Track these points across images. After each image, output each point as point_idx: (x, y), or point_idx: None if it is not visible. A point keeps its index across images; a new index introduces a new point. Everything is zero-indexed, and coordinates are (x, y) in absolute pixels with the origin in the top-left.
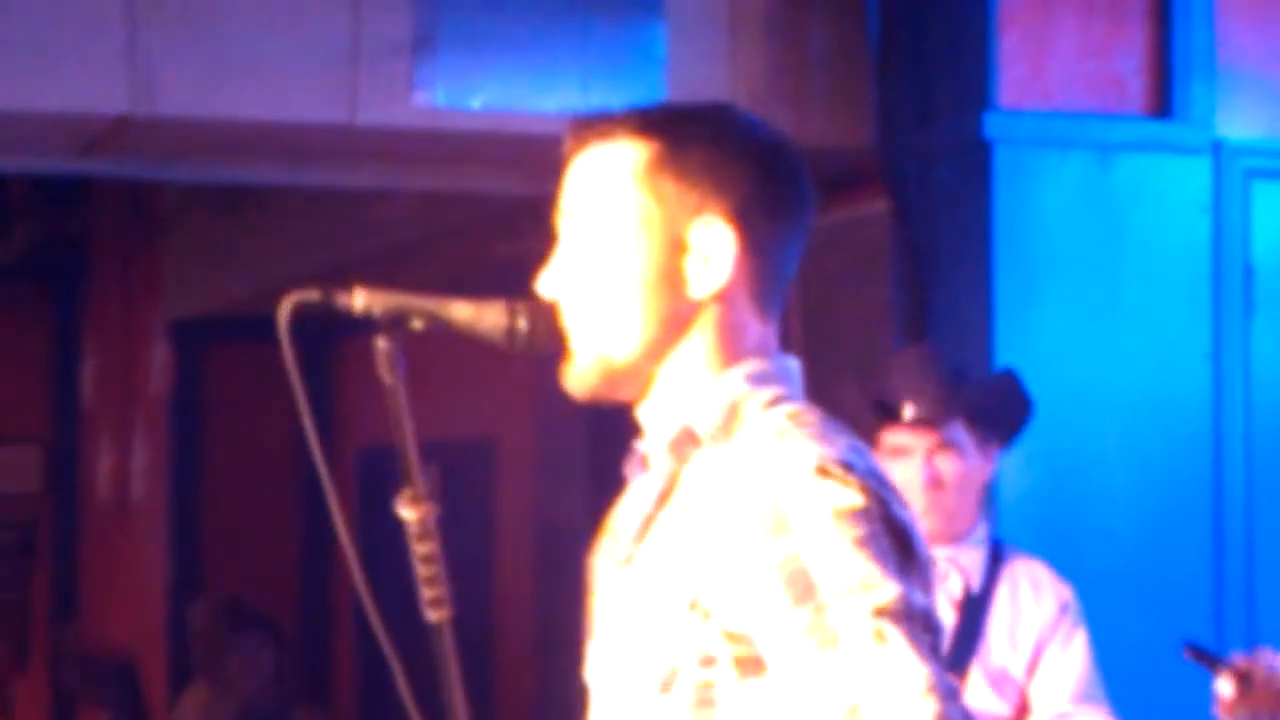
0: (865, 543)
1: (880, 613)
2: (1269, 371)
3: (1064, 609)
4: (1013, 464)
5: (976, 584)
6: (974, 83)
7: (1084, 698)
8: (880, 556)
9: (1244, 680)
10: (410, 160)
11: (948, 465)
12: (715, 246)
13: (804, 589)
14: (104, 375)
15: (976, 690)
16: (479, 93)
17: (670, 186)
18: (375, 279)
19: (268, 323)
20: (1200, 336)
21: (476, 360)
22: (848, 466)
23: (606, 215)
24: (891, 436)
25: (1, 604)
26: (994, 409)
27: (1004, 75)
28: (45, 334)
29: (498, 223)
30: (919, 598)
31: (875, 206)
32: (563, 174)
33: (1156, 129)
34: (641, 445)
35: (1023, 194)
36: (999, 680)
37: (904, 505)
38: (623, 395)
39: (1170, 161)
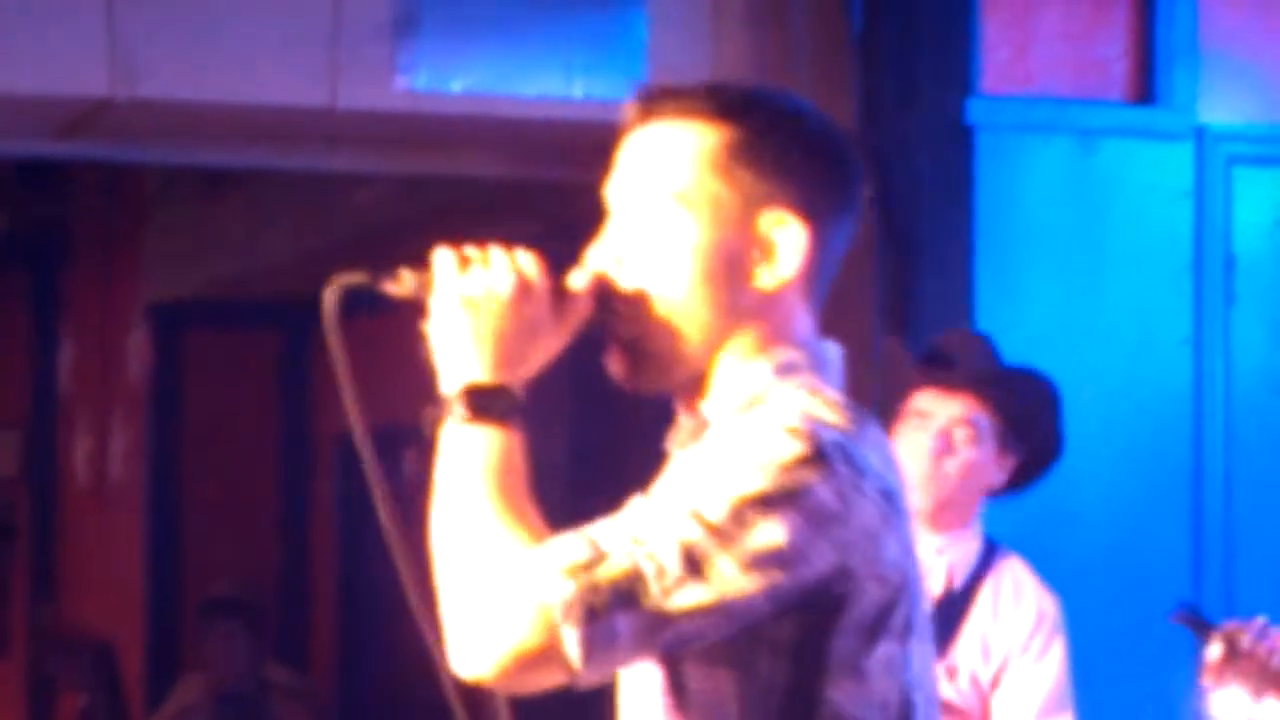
0: (777, 494)
1: (705, 533)
2: (1249, 358)
3: (1040, 620)
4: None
5: (960, 581)
6: (956, 68)
7: (1053, 710)
8: (783, 522)
9: (1232, 646)
10: (391, 144)
11: (962, 441)
12: (785, 240)
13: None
14: (83, 359)
15: (941, 686)
16: (460, 76)
17: (746, 175)
18: (354, 264)
19: (247, 307)
20: (1181, 322)
21: None
22: (821, 438)
23: (676, 198)
24: (921, 399)
25: None
26: (1027, 413)
27: (986, 60)
28: (24, 318)
29: (480, 207)
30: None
31: None
32: (621, 142)
33: (1139, 115)
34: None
35: (1005, 179)
36: (965, 682)
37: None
38: (671, 385)
39: (1152, 147)
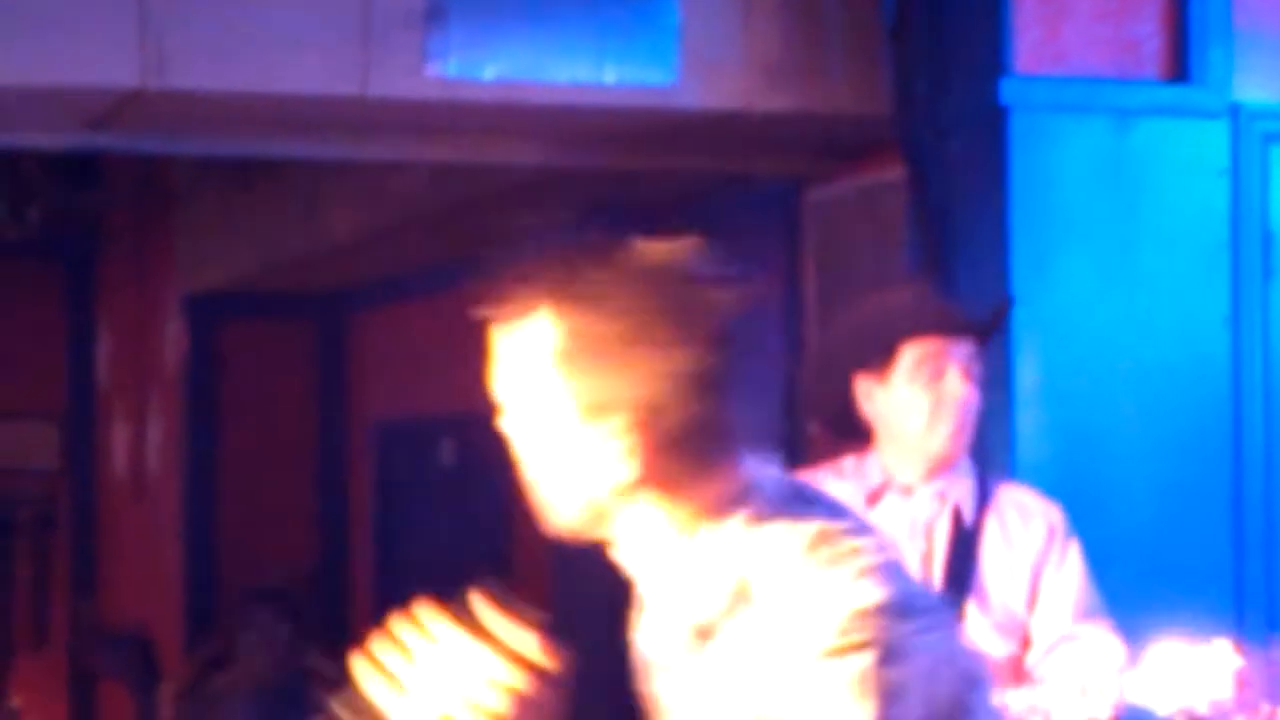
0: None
1: None
2: None
3: (1051, 532)
4: (1029, 430)
5: (969, 515)
6: (990, 49)
7: (1086, 614)
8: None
9: None
10: (423, 132)
11: (976, 388)
12: (625, 440)
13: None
14: (119, 351)
15: (975, 629)
16: (492, 64)
17: (582, 373)
18: (388, 252)
19: (283, 297)
20: (1219, 301)
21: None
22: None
23: (530, 398)
24: (918, 348)
25: (21, 580)
26: (996, 329)
27: (1020, 40)
28: (60, 311)
29: (514, 194)
30: None
31: (892, 174)
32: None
33: (1173, 93)
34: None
35: (1039, 160)
36: (999, 617)
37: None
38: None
39: (1187, 126)
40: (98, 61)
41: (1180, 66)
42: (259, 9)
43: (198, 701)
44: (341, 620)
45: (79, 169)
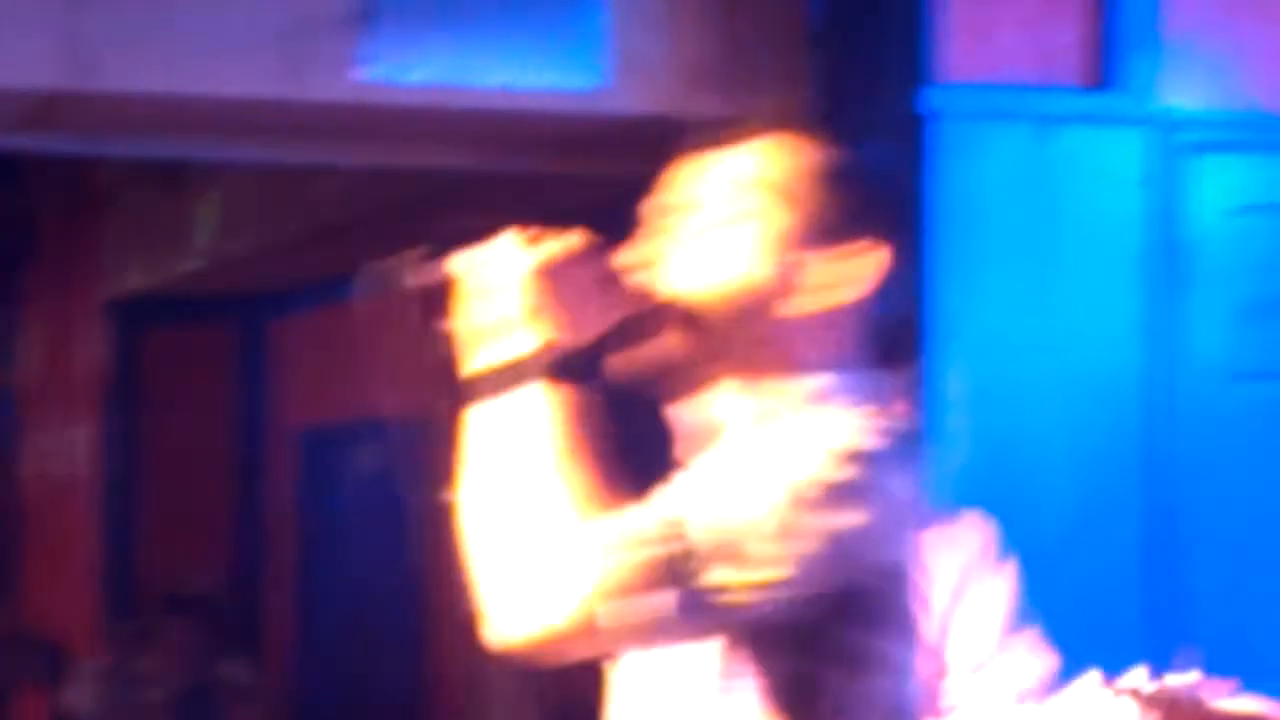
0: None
1: None
2: (1203, 346)
3: (982, 549)
4: (949, 436)
5: None
6: (913, 56)
7: (1005, 634)
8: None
9: (1170, 709)
10: (351, 136)
11: None
12: (848, 265)
13: None
14: (41, 355)
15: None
16: (419, 68)
17: (829, 198)
18: (310, 257)
19: (206, 302)
20: (1135, 309)
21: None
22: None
23: (730, 214)
24: None
25: None
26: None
27: (943, 48)
28: None
29: (440, 198)
30: None
31: None
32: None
33: (1095, 101)
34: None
35: (961, 166)
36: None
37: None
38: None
39: (1109, 134)
40: (22, 63)
41: (1102, 75)
42: (186, 11)
43: (110, 690)
44: (259, 628)
45: (4, 172)
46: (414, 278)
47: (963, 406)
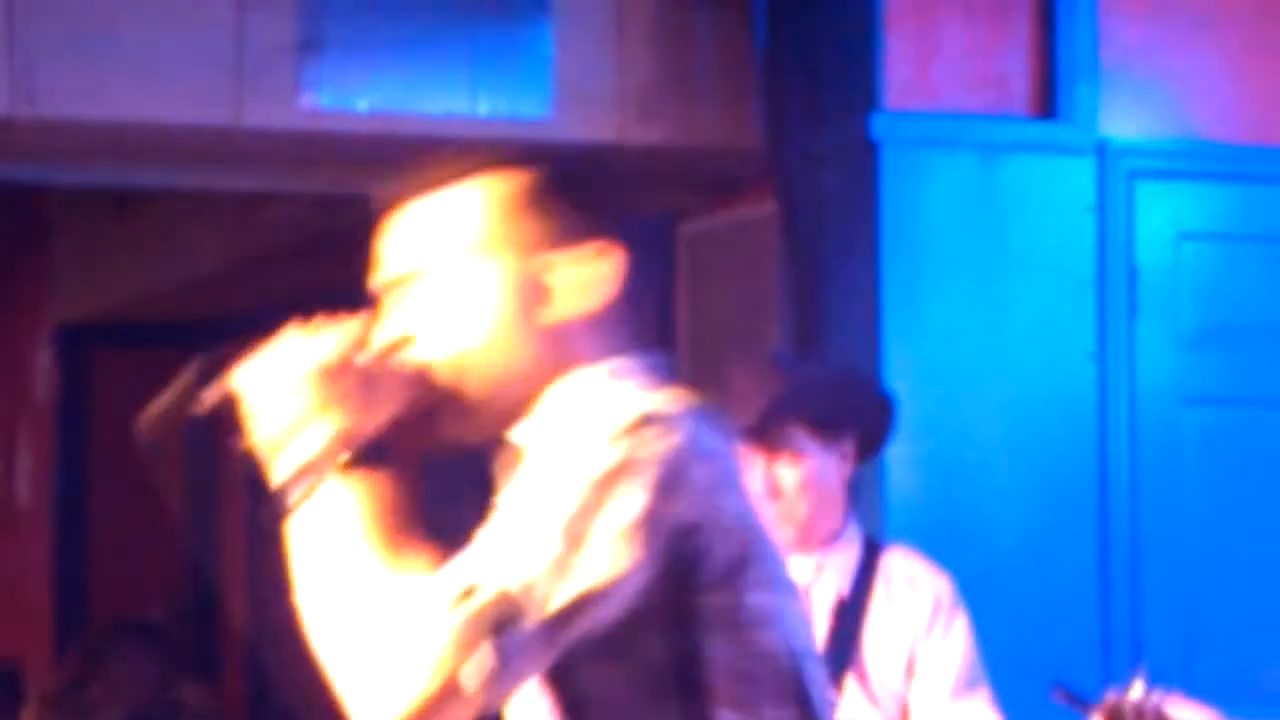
0: (616, 471)
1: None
2: (1153, 370)
3: (938, 602)
4: (898, 463)
5: (847, 586)
6: (861, 83)
7: (963, 689)
8: (627, 497)
9: (1114, 717)
10: (296, 163)
11: (786, 473)
12: (580, 273)
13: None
14: None
15: (852, 701)
16: (365, 95)
17: (533, 220)
18: (259, 283)
19: (155, 327)
20: (1085, 336)
21: None
22: (647, 411)
23: (470, 250)
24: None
25: None
26: (832, 409)
27: (890, 76)
28: None
29: (387, 225)
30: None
31: (763, 208)
32: (387, 222)
33: (1041, 129)
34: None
35: (909, 195)
36: (877, 688)
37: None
38: (503, 428)
39: (1055, 162)
40: None
41: (1048, 103)
42: (131, 38)
43: (63, 715)
44: (213, 653)
45: None
46: (198, 405)
47: (913, 433)
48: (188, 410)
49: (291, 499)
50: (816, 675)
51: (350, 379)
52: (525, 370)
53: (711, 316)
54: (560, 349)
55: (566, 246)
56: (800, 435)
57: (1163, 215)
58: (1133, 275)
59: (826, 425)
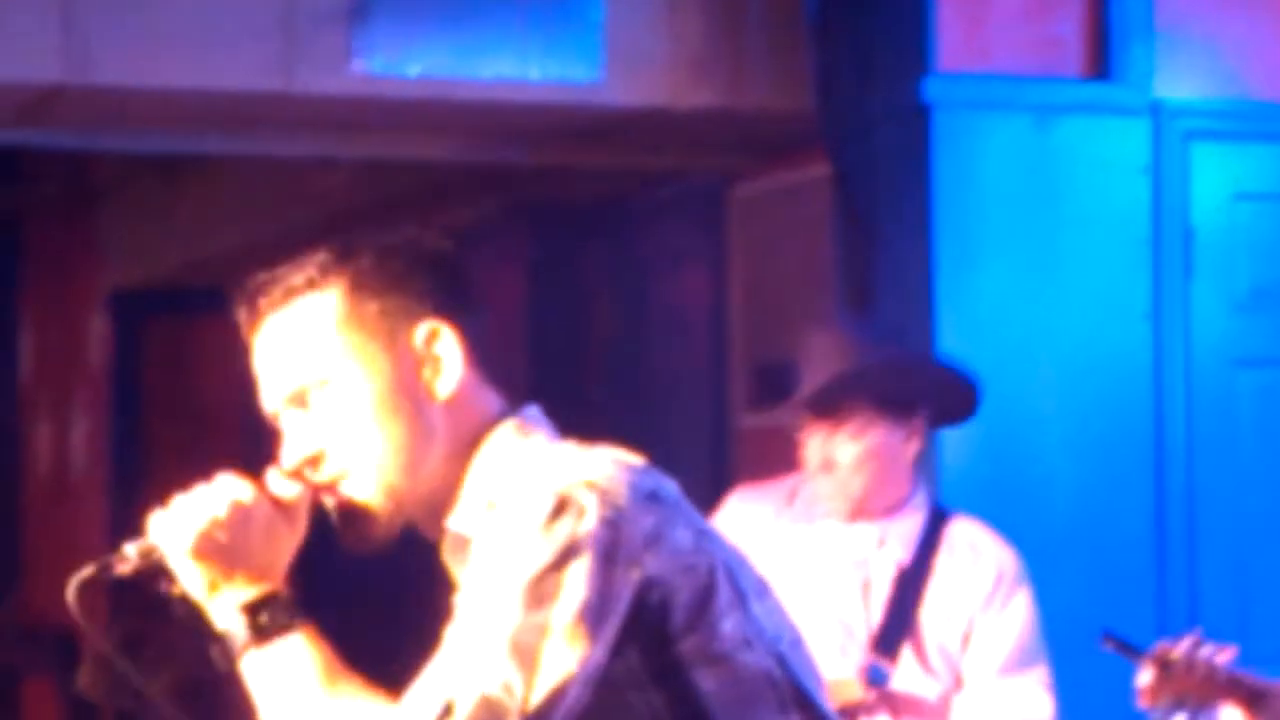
0: (555, 557)
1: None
2: (1208, 332)
3: (1000, 575)
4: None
5: (909, 553)
6: (913, 46)
7: (1017, 666)
8: (575, 576)
9: (1164, 667)
10: (348, 128)
11: (846, 448)
12: (441, 347)
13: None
14: (43, 348)
15: (908, 671)
16: (416, 60)
17: (373, 312)
18: (311, 249)
19: (208, 294)
20: (1140, 298)
21: None
22: (560, 483)
23: (330, 366)
24: (791, 418)
25: None
26: (904, 390)
27: (943, 38)
28: None
29: (436, 191)
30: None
31: (815, 171)
32: (251, 350)
33: (1095, 91)
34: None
35: (962, 157)
36: (934, 656)
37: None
38: (416, 523)
39: (1109, 123)
40: (21, 57)
41: (1102, 64)
42: (183, 5)
43: (120, 676)
44: None
45: (3, 165)
46: (122, 564)
47: None
48: (111, 572)
49: (238, 645)
50: (805, 664)
51: (260, 517)
52: (434, 453)
53: (763, 280)
54: (457, 420)
55: (418, 320)
56: (867, 412)
57: (1218, 176)
58: (1187, 236)
59: (896, 404)
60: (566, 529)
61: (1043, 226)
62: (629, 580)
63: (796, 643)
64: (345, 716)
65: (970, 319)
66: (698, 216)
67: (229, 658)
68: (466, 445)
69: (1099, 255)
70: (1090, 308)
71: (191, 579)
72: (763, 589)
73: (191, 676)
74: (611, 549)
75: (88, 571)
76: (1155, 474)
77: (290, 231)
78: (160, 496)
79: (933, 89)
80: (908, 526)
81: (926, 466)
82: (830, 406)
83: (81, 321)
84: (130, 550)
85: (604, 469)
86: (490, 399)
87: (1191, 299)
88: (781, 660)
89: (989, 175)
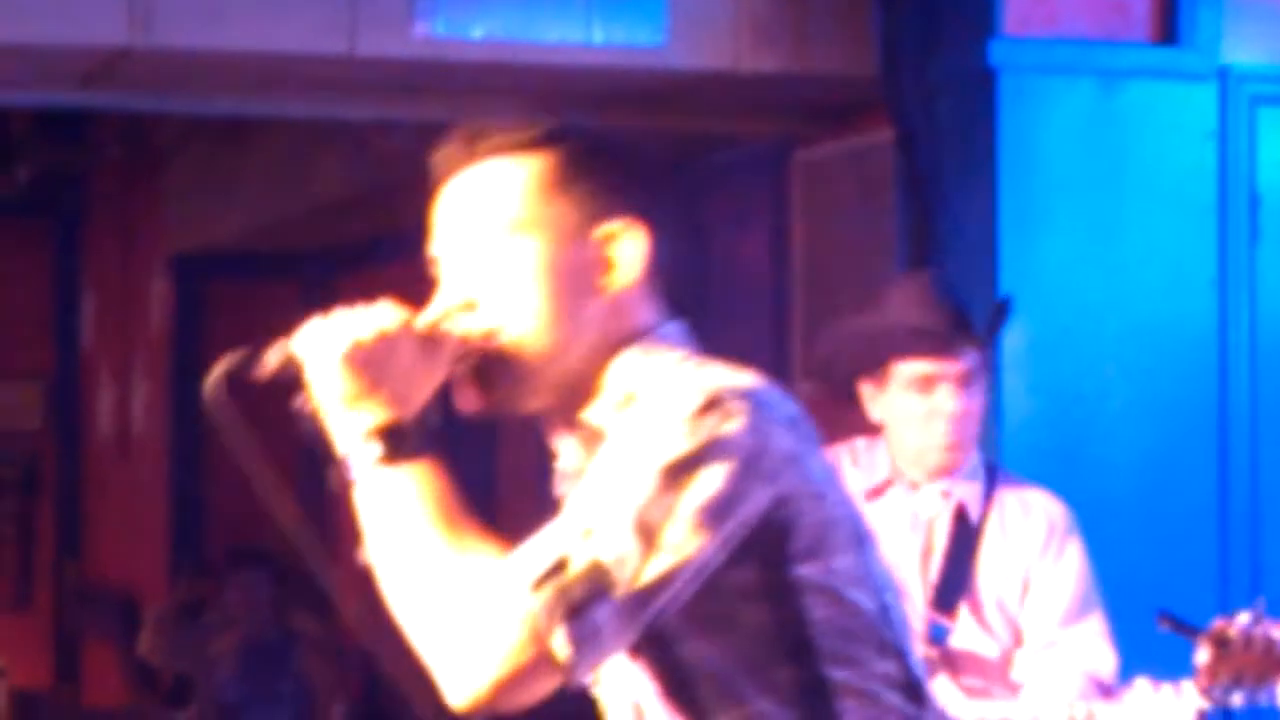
0: (698, 449)
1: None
2: (1274, 297)
3: (1051, 527)
4: (1015, 392)
5: (974, 515)
6: (978, 10)
7: (1076, 615)
8: (712, 472)
9: (1221, 645)
10: (410, 91)
11: (975, 396)
12: (624, 247)
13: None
14: (105, 310)
15: (966, 630)
16: (480, 23)
17: (575, 193)
18: (376, 213)
19: (270, 258)
20: (1206, 263)
21: None
22: (716, 386)
23: (514, 226)
24: (910, 367)
25: (6, 540)
26: (997, 333)
27: (1008, 2)
28: (46, 269)
29: None
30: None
31: (880, 135)
32: (440, 190)
33: (1162, 55)
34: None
35: (1028, 121)
36: (993, 615)
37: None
38: (543, 406)
39: (1176, 88)
40: (86, 19)
41: (1169, 29)
42: None
43: (179, 639)
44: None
45: (67, 127)
46: (261, 368)
47: (1031, 360)
48: (250, 372)
49: (354, 471)
50: (903, 618)
51: (406, 347)
52: (583, 340)
53: (826, 244)
54: (617, 319)
55: (616, 217)
56: (977, 358)
57: None
58: (1254, 202)
59: (986, 351)
60: (713, 426)
61: (1108, 192)
62: (763, 492)
63: (898, 595)
64: (458, 554)
65: (1034, 285)
66: (761, 181)
67: (344, 483)
68: (614, 345)
69: (1164, 221)
70: (1155, 274)
71: (331, 390)
72: (870, 539)
73: (257, 636)
74: (753, 458)
75: (225, 366)
76: (1219, 442)
77: (352, 197)
78: (220, 459)
79: (998, 53)
80: (970, 487)
81: (987, 429)
82: (963, 351)
83: (144, 285)
84: (272, 355)
85: (754, 385)
86: (650, 311)
87: (1257, 265)
88: (885, 608)
89: (1054, 140)
